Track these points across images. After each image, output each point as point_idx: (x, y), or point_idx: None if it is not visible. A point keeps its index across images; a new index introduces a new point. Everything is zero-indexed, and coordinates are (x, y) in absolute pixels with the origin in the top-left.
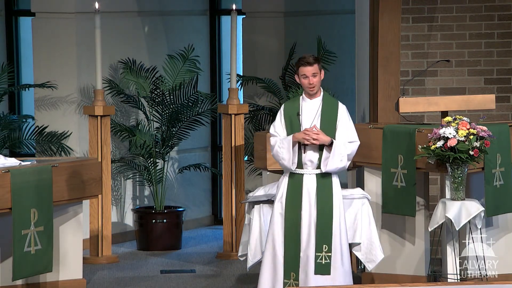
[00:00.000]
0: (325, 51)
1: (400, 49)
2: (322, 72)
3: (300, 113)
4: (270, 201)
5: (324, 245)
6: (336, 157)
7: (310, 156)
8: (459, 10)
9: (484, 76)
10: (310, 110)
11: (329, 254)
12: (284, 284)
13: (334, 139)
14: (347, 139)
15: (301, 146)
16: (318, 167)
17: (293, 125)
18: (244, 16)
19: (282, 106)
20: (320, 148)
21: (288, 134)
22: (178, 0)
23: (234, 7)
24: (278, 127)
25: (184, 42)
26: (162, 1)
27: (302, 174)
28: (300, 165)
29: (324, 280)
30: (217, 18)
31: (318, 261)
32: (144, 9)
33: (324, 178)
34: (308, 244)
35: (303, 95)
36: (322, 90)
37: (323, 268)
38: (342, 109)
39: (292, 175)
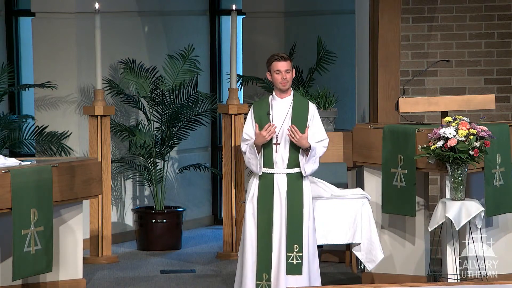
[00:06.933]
0: (325, 51)
1: (400, 49)
2: (293, 71)
3: (271, 112)
4: None
5: (295, 245)
6: (312, 159)
7: (282, 155)
8: (459, 10)
9: (484, 76)
10: (281, 109)
11: (301, 254)
12: (256, 285)
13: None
14: (318, 139)
15: (273, 146)
16: (289, 166)
17: (263, 125)
18: (244, 16)
19: (252, 106)
20: (292, 147)
21: None
22: (178, 0)
23: (234, 7)
24: (248, 129)
25: (184, 42)
26: (162, 1)
27: (273, 174)
28: (270, 164)
29: (295, 280)
30: (217, 18)
31: (289, 261)
32: (144, 9)
33: (295, 178)
34: (280, 245)
35: (273, 94)
36: (292, 89)
37: (294, 268)
38: (312, 108)
39: (263, 174)
